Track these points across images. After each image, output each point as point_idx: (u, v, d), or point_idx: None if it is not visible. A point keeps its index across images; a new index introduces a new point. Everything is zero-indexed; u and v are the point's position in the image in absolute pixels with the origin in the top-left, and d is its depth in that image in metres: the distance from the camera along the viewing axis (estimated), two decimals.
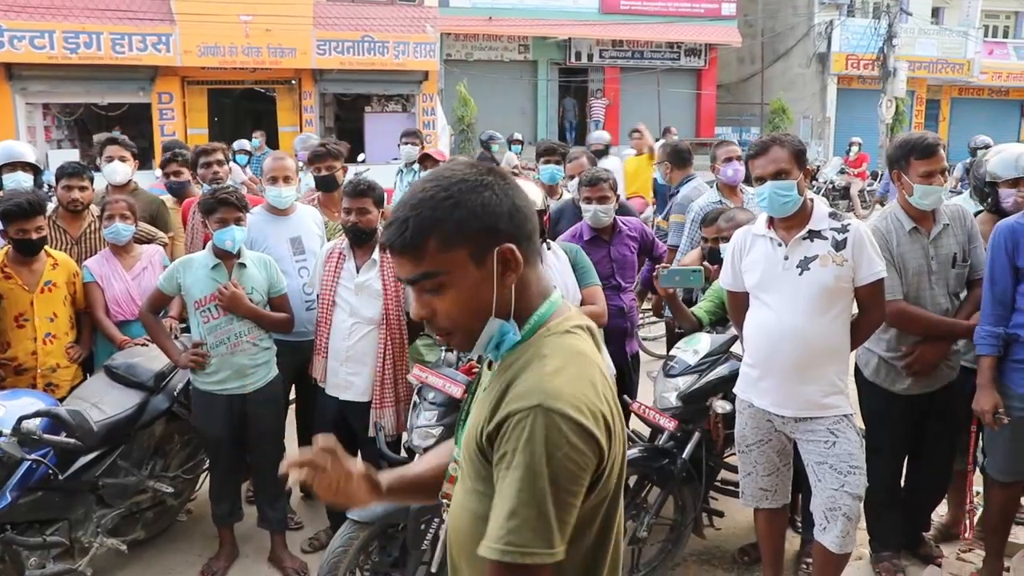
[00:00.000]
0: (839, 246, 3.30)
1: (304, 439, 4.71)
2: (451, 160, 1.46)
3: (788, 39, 27.66)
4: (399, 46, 20.42)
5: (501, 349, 1.49)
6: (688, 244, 5.36)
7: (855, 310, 3.47)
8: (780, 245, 3.39)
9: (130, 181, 5.51)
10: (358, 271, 4.05)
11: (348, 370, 4.05)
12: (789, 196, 3.31)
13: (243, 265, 4.06)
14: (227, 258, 4.03)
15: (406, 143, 8.33)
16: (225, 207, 3.96)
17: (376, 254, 4.07)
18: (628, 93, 25.69)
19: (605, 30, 24.68)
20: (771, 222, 3.45)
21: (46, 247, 4.34)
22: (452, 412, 3.53)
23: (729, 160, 5.52)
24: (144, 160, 6.36)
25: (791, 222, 3.37)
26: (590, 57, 25.57)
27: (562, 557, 1.34)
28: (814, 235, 3.34)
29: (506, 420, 1.36)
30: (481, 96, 22.41)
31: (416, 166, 8.14)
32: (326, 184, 5.09)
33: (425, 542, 3.43)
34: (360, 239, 4.07)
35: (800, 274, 3.31)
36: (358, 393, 4.04)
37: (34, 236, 4.17)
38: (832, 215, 3.40)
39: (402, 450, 3.92)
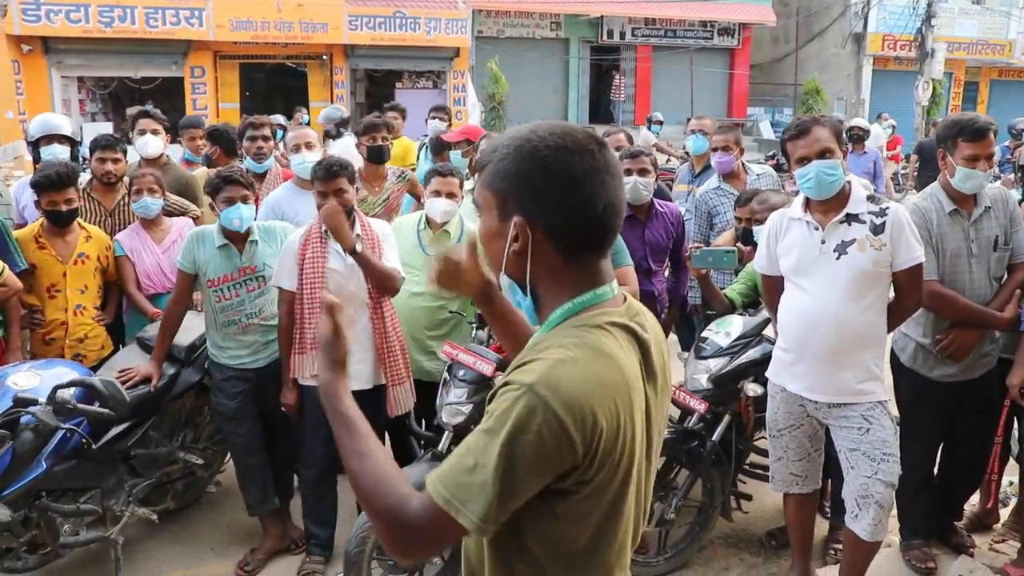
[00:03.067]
0: (877, 230, 3.23)
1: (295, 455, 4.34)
2: (572, 126, 1.43)
3: (823, 19, 27.24)
4: (431, 22, 20.38)
5: (524, 310, 1.53)
6: (696, 231, 5.28)
7: (891, 294, 3.41)
8: (817, 229, 3.33)
9: (162, 155, 5.54)
10: (344, 252, 3.87)
11: (355, 358, 3.78)
12: (835, 175, 3.25)
13: (254, 242, 4.02)
14: (236, 238, 4.00)
15: (434, 118, 8.29)
16: (231, 185, 3.91)
17: (357, 229, 3.90)
18: (660, 72, 25.47)
19: (638, 8, 24.43)
20: (807, 205, 3.39)
21: (80, 220, 4.39)
22: (482, 390, 3.53)
23: (715, 150, 5.44)
24: (176, 134, 6.38)
25: (828, 205, 3.31)
26: (622, 35, 25.34)
27: (487, 535, 1.37)
28: (852, 219, 3.28)
29: (503, 386, 1.36)
30: (512, 74, 22.29)
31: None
32: (378, 155, 5.09)
33: None
34: None
35: (837, 258, 3.26)
36: (365, 380, 3.89)
37: (63, 208, 4.21)
38: (870, 198, 3.33)
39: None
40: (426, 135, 8.13)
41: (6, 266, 3.81)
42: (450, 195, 4.21)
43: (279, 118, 12.57)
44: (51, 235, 4.29)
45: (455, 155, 5.99)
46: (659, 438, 1.56)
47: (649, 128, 12.51)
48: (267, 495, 4.21)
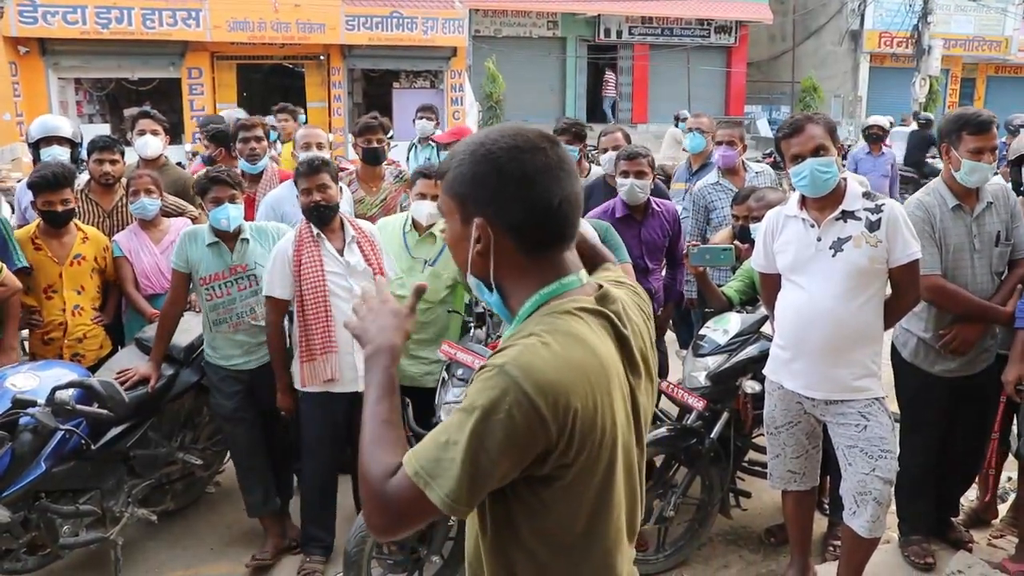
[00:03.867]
0: (873, 227, 3.24)
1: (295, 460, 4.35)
2: (523, 126, 1.47)
3: (820, 16, 27.25)
4: (428, 22, 20.36)
5: (493, 307, 1.56)
6: (692, 226, 5.31)
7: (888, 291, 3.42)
8: (813, 226, 3.33)
9: (161, 155, 5.55)
10: (341, 253, 3.89)
11: (358, 360, 3.82)
12: (830, 172, 3.25)
13: (245, 240, 4.02)
14: (227, 236, 4.00)
15: (421, 118, 8.20)
16: (218, 185, 3.92)
17: (350, 230, 3.91)
18: (657, 70, 25.46)
19: (635, 6, 24.43)
20: (803, 203, 3.40)
21: (77, 221, 4.40)
22: None
23: (719, 143, 5.50)
24: (174, 135, 6.38)
25: (824, 202, 3.32)
26: (619, 34, 25.33)
27: (458, 515, 1.39)
28: (847, 216, 3.28)
29: (479, 370, 1.39)
30: (509, 73, 22.28)
31: (432, 142, 7.90)
32: (373, 156, 5.09)
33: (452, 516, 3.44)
34: (325, 217, 3.87)
35: (833, 255, 3.26)
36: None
37: (59, 208, 4.22)
38: (866, 195, 3.33)
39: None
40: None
41: (4, 266, 3.81)
42: (435, 197, 4.20)
43: (270, 119, 12.59)
44: (47, 236, 4.30)
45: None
46: (647, 427, 1.58)
47: (677, 125, 12.50)
48: (269, 496, 4.21)
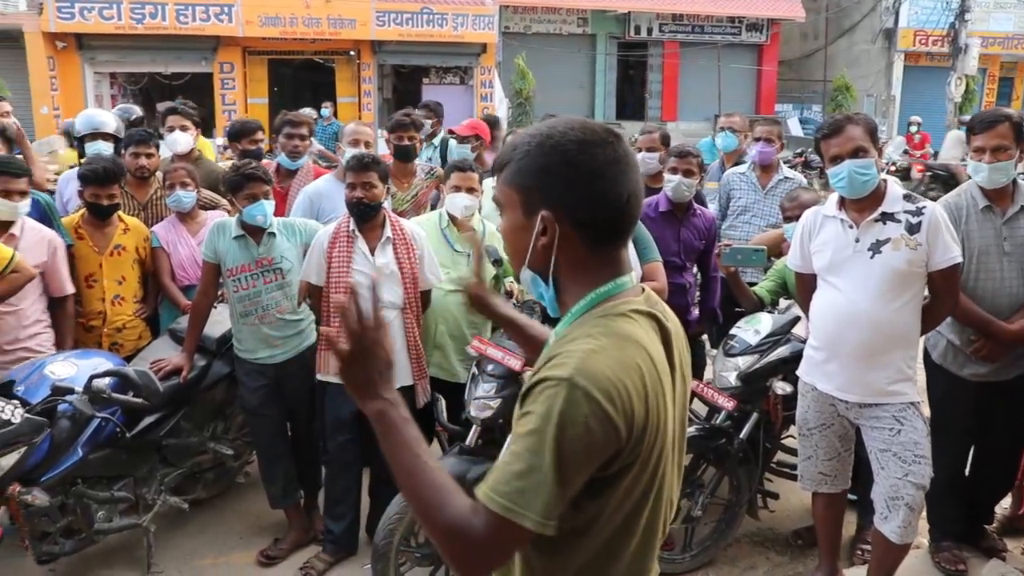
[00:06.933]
0: (913, 229, 3.20)
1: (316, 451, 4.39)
2: (587, 120, 1.47)
3: (854, 14, 26.97)
4: (458, 18, 20.41)
5: (547, 303, 1.54)
6: (715, 211, 5.35)
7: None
8: (851, 227, 3.30)
9: (193, 149, 5.60)
10: (372, 253, 3.89)
11: None
12: (869, 174, 3.22)
13: (272, 234, 4.05)
14: (254, 230, 4.03)
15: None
16: (253, 182, 3.94)
17: (388, 231, 3.92)
18: (687, 68, 25.34)
19: (665, 3, 24.34)
20: (842, 203, 3.37)
21: (120, 213, 4.47)
22: (511, 384, 3.54)
23: (758, 139, 5.50)
24: (204, 129, 6.43)
25: (863, 203, 3.28)
26: (649, 31, 25.23)
27: (552, 533, 1.34)
28: (887, 217, 3.25)
29: (538, 384, 1.37)
30: (539, 69, 22.27)
31: (436, 140, 7.55)
32: (405, 153, 5.12)
33: None
34: (366, 215, 3.88)
35: (871, 257, 3.23)
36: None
37: (105, 202, 4.31)
38: (907, 197, 3.30)
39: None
40: (452, 130, 8.02)
41: (16, 252, 3.86)
42: (470, 190, 4.21)
43: (313, 112, 12.63)
44: (90, 226, 4.39)
45: (462, 149, 6.00)
46: (683, 427, 1.58)
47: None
48: (289, 489, 4.25)
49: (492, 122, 7.46)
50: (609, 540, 1.44)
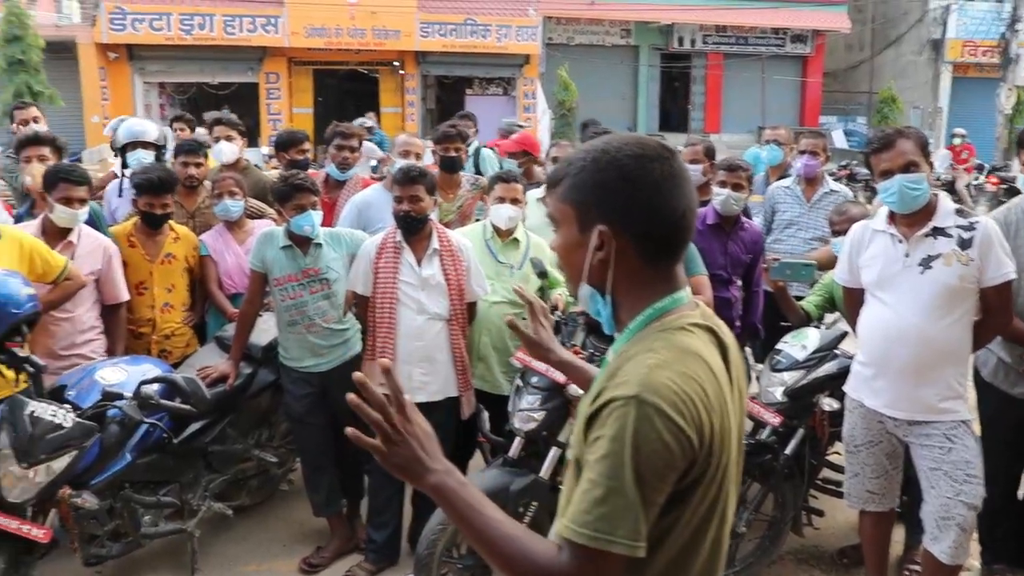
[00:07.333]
0: (965, 244, 3.15)
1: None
2: (641, 135, 1.48)
3: (900, 25, 26.61)
4: (501, 29, 20.53)
5: (603, 319, 1.53)
6: (760, 223, 5.32)
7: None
8: (901, 242, 3.25)
9: (239, 159, 5.67)
10: (419, 264, 3.92)
11: (421, 371, 3.89)
12: (920, 189, 3.18)
13: (319, 245, 4.07)
14: (301, 240, 4.06)
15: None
16: (301, 193, 3.96)
17: (435, 243, 3.94)
18: (731, 80, 25.19)
19: (709, 15, 24.23)
20: (892, 217, 3.32)
21: (171, 222, 4.54)
22: (555, 397, 3.54)
23: (803, 152, 5.45)
24: (250, 139, 6.52)
25: (914, 218, 3.24)
26: (693, 43, 25.14)
27: (643, 554, 1.32)
28: (938, 232, 3.20)
29: (604, 406, 1.35)
30: (582, 81, 22.29)
31: (470, 149, 7.16)
32: (451, 165, 5.15)
33: (524, 524, 3.44)
34: (413, 228, 3.90)
35: (922, 272, 3.18)
36: (432, 393, 3.90)
37: (159, 211, 4.38)
38: (959, 212, 3.24)
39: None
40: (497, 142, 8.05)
41: (69, 260, 3.93)
42: (514, 201, 4.22)
43: (367, 122, 12.72)
44: (142, 234, 4.45)
45: (507, 160, 6.03)
46: (740, 442, 1.56)
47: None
48: (332, 498, 4.27)
49: (510, 132, 7.51)
50: (677, 556, 1.43)
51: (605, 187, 1.45)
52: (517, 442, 3.59)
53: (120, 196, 5.29)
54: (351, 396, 1.40)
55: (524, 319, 4.30)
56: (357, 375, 1.42)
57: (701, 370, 1.39)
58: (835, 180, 6.27)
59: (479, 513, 1.39)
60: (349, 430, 1.44)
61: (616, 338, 1.55)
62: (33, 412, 3.21)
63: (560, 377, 3.50)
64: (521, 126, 9.37)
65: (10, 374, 3.39)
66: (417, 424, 1.43)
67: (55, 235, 4.01)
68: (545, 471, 3.54)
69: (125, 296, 4.25)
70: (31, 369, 3.33)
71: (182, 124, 8.09)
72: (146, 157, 5.25)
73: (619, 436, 1.31)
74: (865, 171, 14.45)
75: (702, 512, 1.42)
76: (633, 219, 1.44)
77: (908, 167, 3.17)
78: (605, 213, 1.45)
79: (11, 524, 3.12)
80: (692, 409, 1.33)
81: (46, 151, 4.68)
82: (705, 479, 1.39)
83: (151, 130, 5.51)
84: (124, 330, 4.30)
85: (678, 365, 1.37)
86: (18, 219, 4.61)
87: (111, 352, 4.18)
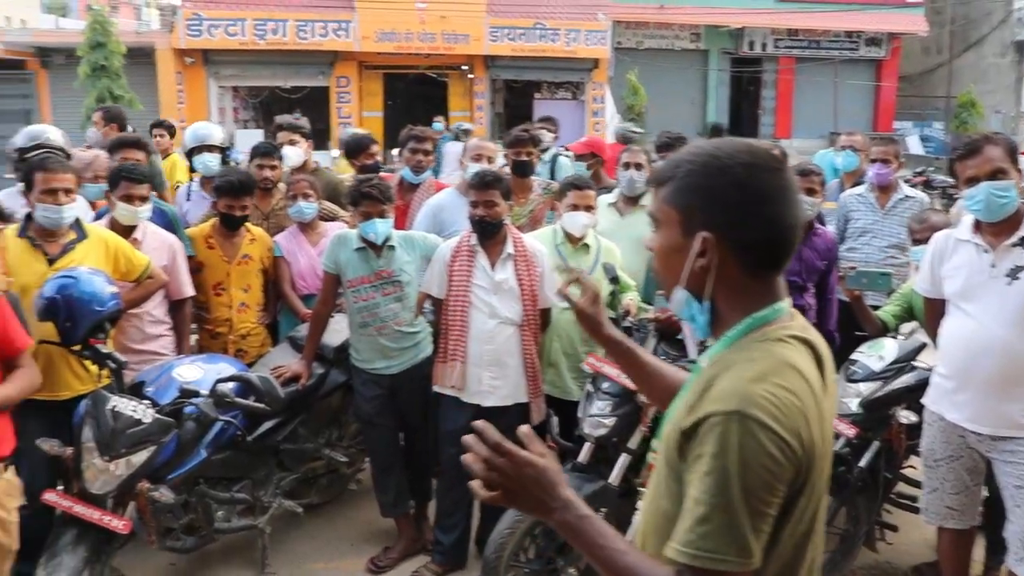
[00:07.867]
0: None
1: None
2: (752, 142, 1.46)
3: (982, 26, 25.75)
4: (570, 33, 20.51)
5: (697, 325, 1.51)
6: (834, 231, 5.22)
7: None
8: (986, 252, 3.16)
9: (306, 162, 5.74)
10: (492, 268, 3.93)
11: (491, 375, 3.91)
12: (1008, 197, 3.08)
13: (392, 248, 4.11)
14: (375, 244, 4.09)
15: (539, 128, 7.85)
16: (368, 201, 4.00)
17: (509, 247, 3.95)
18: (802, 84, 24.75)
19: (780, 18, 23.86)
20: (977, 226, 3.22)
21: (247, 224, 4.65)
22: (626, 403, 3.52)
23: (874, 160, 5.33)
24: (320, 141, 6.61)
25: (1000, 227, 3.14)
26: (764, 47, 24.76)
27: (757, 567, 1.30)
28: None
29: (703, 421, 1.33)
30: (651, 85, 22.10)
31: (547, 156, 7.22)
32: (522, 169, 5.16)
33: None
34: (487, 232, 3.92)
35: (1009, 283, 3.08)
36: (502, 397, 3.92)
37: (238, 213, 4.50)
38: None
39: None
40: (564, 146, 8.02)
41: (151, 260, 4.04)
42: (588, 208, 4.21)
43: (443, 125, 12.78)
44: (220, 236, 4.57)
45: (578, 166, 6.00)
46: (830, 455, 1.53)
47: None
48: (400, 499, 4.30)
49: (627, 139, 7.48)
50: (782, 572, 1.40)
51: (713, 194, 1.43)
52: (587, 448, 3.58)
53: (189, 199, 5.43)
54: (465, 457, 1.39)
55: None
56: (478, 423, 1.41)
57: (798, 382, 1.37)
58: (911, 187, 6.12)
59: (601, 547, 1.38)
60: (464, 458, 1.40)
61: (709, 344, 1.53)
62: (115, 407, 3.30)
63: (631, 384, 3.47)
64: (637, 132, 9.38)
65: (94, 370, 3.50)
66: (529, 464, 1.40)
67: (121, 233, 4.10)
68: (615, 477, 3.52)
69: (190, 291, 4.35)
70: (113, 365, 3.43)
71: (161, 131, 8.28)
72: (211, 160, 5.42)
73: (722, 453, 1.29)
74: (942, 178, 14.04)
75: (804, 525, 1.39)
76: (739, 229, 1.42)
77: (995, 174, 3.08)
78: (710, 220, 1.43)
79: (94, 515, 3.21)
80: (793, 421, 1.32)
81: (139, 155, 4.86)
82: (805, 491, 1.36)
83: (216, 133, 5.66)
84: (189, 326, 4.41)
85: (776, 377, 1.35)
86: (98, 217, 4.76)
87: (179, 348, 4.29)
